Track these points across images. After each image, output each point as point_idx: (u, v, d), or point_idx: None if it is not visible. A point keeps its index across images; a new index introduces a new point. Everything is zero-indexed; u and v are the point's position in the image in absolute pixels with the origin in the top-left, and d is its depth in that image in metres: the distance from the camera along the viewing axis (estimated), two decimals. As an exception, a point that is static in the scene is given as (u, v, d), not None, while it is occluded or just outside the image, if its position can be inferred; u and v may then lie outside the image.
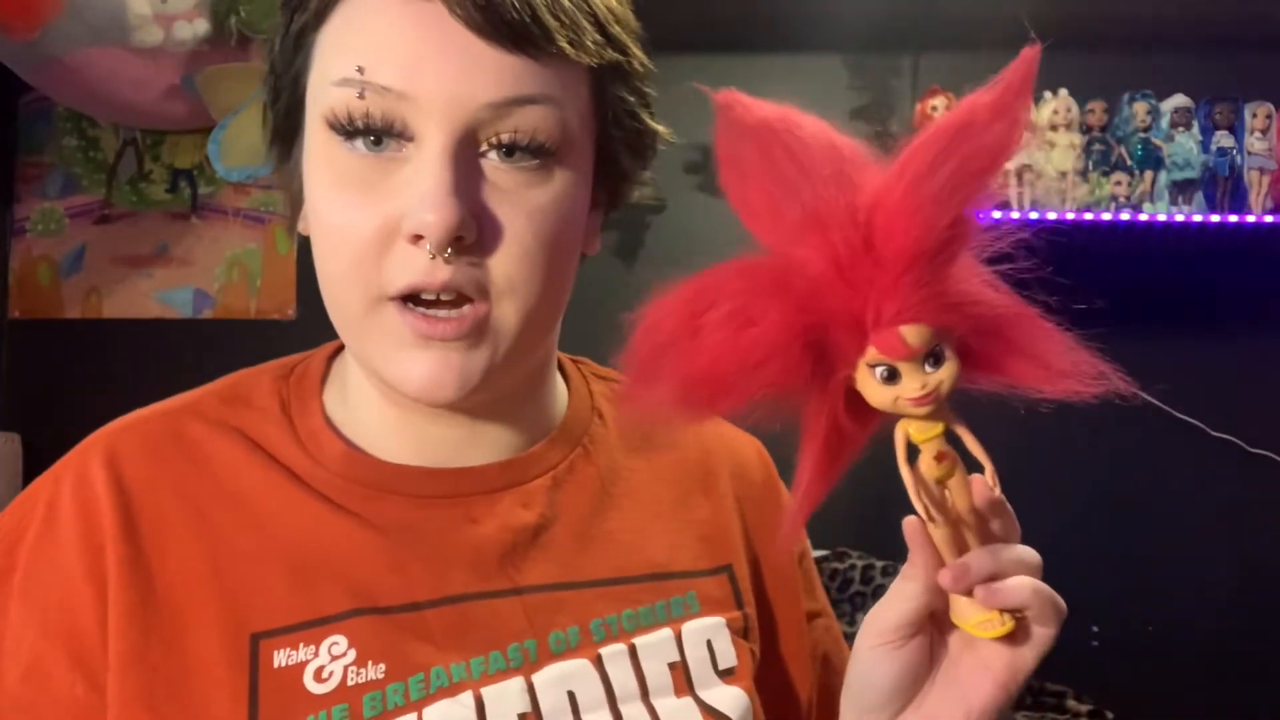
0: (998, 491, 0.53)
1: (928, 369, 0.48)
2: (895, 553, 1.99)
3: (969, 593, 0.52)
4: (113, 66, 1.87)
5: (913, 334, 0.47)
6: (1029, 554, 0.54)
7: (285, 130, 0.62)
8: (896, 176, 0.47)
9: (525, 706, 0.58)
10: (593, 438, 0.69)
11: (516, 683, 0.59)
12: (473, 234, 0.54)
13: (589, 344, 0.71)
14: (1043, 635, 0.54)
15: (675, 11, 2.14)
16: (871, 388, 0.49)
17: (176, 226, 2.22)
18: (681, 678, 0.63)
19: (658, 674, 0.62)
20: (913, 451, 0.51)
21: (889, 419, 0.51)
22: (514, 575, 0.62)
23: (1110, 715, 1.86)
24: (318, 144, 0.57)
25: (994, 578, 0.52)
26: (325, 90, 0.56)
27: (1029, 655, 0.54)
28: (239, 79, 1.92)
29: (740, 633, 0.67)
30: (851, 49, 2.17)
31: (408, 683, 0.57)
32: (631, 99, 0.62)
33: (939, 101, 2.06)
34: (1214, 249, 2.04)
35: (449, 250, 0.54)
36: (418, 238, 0.54)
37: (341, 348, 0.68)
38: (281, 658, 0.56)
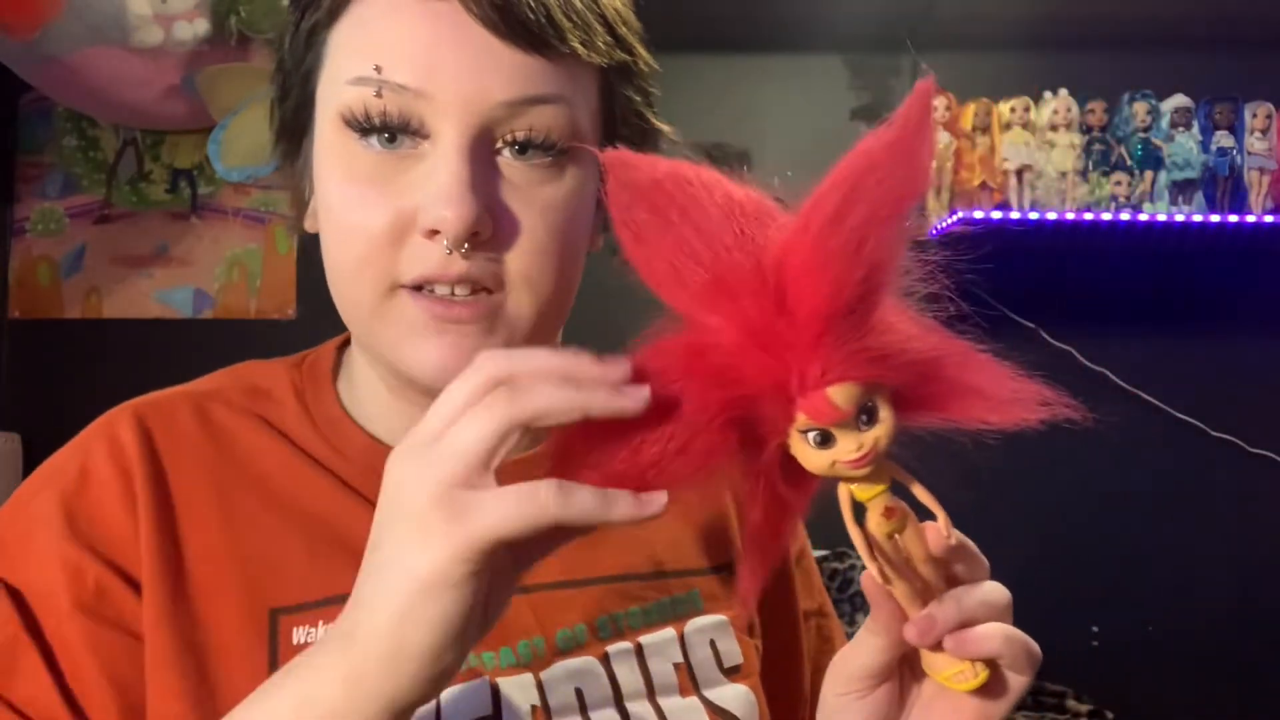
0: (954, 539, 0.50)
1: (862, 427, 0.45)
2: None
3: (938, 646, 0.50)
4: (113, 66, 1.87)
5: (841, 395, 0.44)
6: (996, 595, 0.51)
7: (293, 127, 0.62)
8: (800, 231, 0.44)
9: (536, 700, 0.59)
10: None
11: (526, 678, 0.59)
12: (489, 229, 0.55)
13: (589, 344, 0.71)
14: (1017, 682, 0.52)
15: (675, 11, 2.14)
16: (806, 454, 0.46)
17: (176, 226, 2.22)
18: (686, 677, 0.63)
19: (663, 674, 0.62)
20: (860, 508, 0.48)
21: (830, 479, 0.48)
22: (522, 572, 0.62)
23: (1110, 715, 1.86)
24: (330, 140, 0.57)
25: (962, 625, 0.50)
26: (339, 88, 0.56)
27: (1003, 704, 0.52)
28: (239, 79, 1.91)
29: (745, 630, 0.67)
30: (851, 49, 2.17)
31: None
32: (638, 98, 0.62)
33: (939, 101, 2.06)
34: (1214, 249, 2.04)
35: (465, 246, 0.54)
36: (434, 233, 0.54)
37: (347, 341, 0.68)
38: (301, 634, 0.57)
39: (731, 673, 0.65)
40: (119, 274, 2.21)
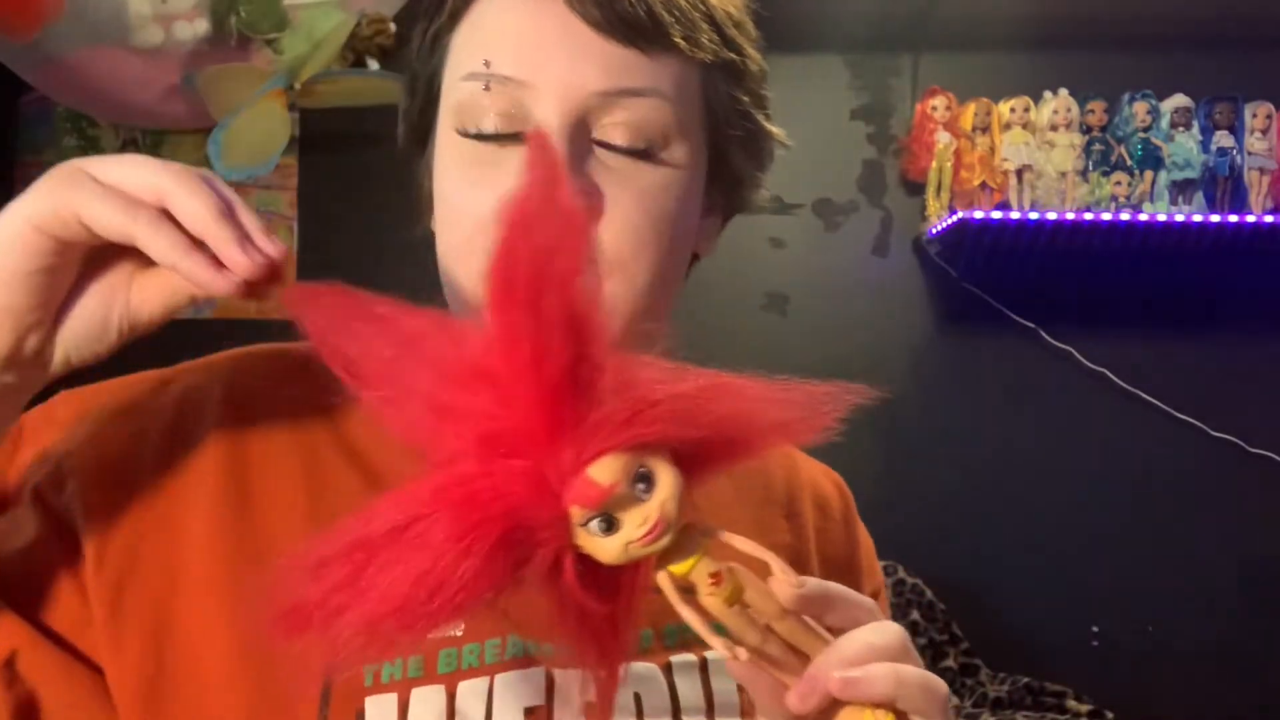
0: (804, 585, 0.45)
1: (643, 497, 0.41)
2: (897, 554, 1.99)
3: (834, 704, 0.45)
4: (113, 66, 1.87)
5: (602, 471, 0.40)
6: (882, 635, 0.47)
7: (420, 128, 0.65)
8: (487, 326, 0.42)
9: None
10: None
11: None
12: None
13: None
14: None
15: (675, 11, 2.13)
16: (597, 547, 0.42)
17: (176, 226, 2.22)
18: (749, 700, 0.61)
19: (726, 692, 0.61)
20: (687, 587, 0.44)
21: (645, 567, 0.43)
22: None
23: (1110, 715, 1.86)
24: (445, 134, 0.61)
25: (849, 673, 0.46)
26: (455, 85, 0.60)
27: None
28: (239, 79, 1.91)
29: None
30: (851, 49, 2.17)
31: (484, 645, 0.57)
32: (745, 99, 0.63)
33: (939, 101, 2.06)
34: (1214, 249, 2.04)
35: None
36: None
37: None
38: None
39: None
40: (119, 274, 2.21)
